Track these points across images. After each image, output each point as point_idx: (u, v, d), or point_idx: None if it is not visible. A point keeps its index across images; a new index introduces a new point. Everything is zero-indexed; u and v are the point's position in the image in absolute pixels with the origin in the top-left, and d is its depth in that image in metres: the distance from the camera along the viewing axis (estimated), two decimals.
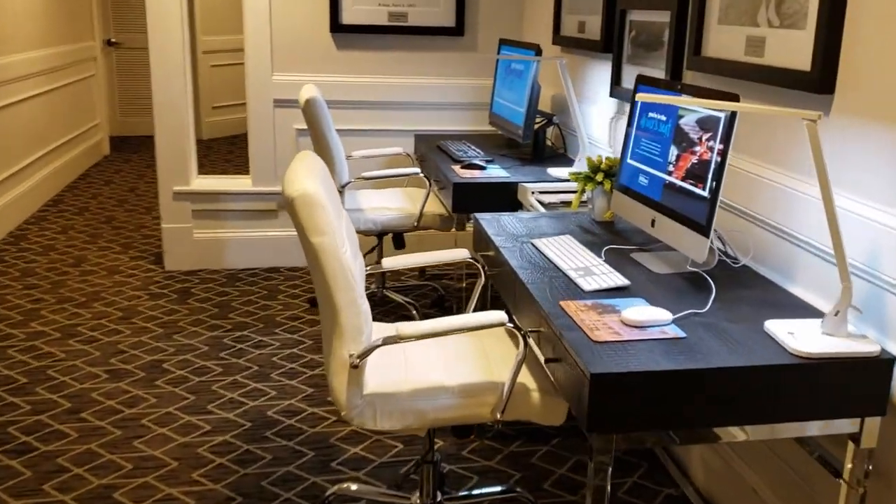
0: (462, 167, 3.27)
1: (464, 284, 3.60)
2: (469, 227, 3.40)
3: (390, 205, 3.60)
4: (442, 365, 1.97)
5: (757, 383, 1.52)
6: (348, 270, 1.75)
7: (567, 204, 2.81)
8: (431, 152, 3.67)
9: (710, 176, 1.84)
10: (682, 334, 1.62)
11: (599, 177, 2.42)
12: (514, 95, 3.56)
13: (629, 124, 2.25)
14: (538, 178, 3.12)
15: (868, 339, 1.58)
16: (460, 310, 3.83)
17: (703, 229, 1.83)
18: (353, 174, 3.65)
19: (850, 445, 1.61)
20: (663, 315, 1.67)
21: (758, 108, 1.55)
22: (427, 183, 3.53)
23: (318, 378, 3.19)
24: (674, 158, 2.00)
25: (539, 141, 3.52)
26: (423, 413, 1.87)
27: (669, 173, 2.01)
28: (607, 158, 2.46)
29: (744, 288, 1.90)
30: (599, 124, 3.25)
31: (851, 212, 1.71)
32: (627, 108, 3.02)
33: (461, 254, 2.30)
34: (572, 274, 1.95)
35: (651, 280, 1.95)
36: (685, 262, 2.05)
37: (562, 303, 1.78)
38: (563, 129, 3.73)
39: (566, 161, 3.47)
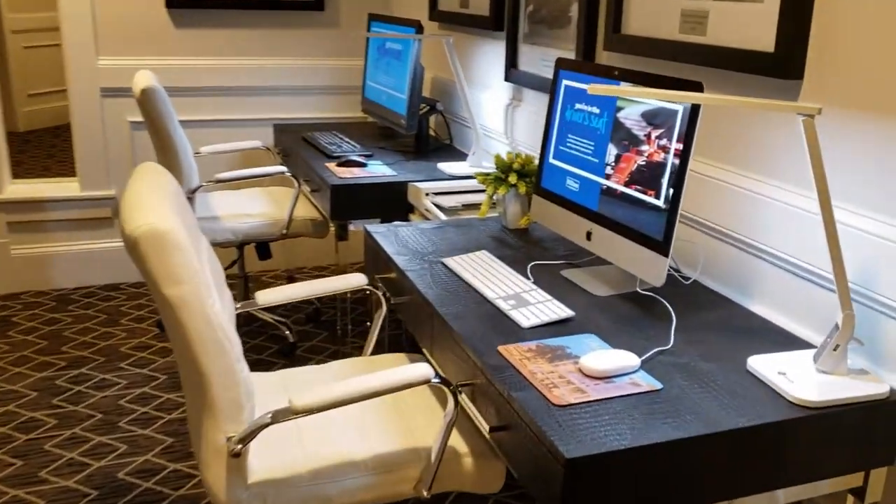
0: (338, 164, 2.86)
1: (348, 295, 3.21)
2: (355, 233, 3.00)
3: (252, 210, 3.13)
4: (347, 431, 1.59)
5: (760, 445, 1.24)
6: (219, 329, 1.33)
7: (471, 208, 2.48)
8: (297, 146, 3.23)
9: (664, 182, 1.55)
10: (657, 385, 1.32)
11: (512, 178, 2.09)
12: (391, 80, 3.17)
13: (550, 117, 1.93)
14: (429, 176, 2.76)
15: (871, 376, 1.35)
16: (344, 325, 3.43)
17: (661, 247, 1.54)
18: (203, 176, 3.15)
19: (851, 500, 1.38)
20: (629, 360, 1.37)
21: (744, 101, 1.26)
22: (295, 183, 3.09)
23: (177, 423, 2.70)
24: (612, 159, 1.70)
25: (422, 132, 3.16)
26: (329, 499, 1.48)
27: (608, 177, 1.71)
28: (518, 155, 2.14)
29: (702, 310, 1.63)
30: (493, 112, 2.94)
31: (840, 222, 1.47)
32: (526, 94, 2.71)
33: (356, 280, 1.92)
34: (503, 305, 1.62)
35: (595, 306, 1.64)
36: (627, 279, 1.76)
37: (501, 348, 1.44)
38: (447, 117, 3.39)
39: (456, 154, 3.14)
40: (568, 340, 1.48)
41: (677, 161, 1.51)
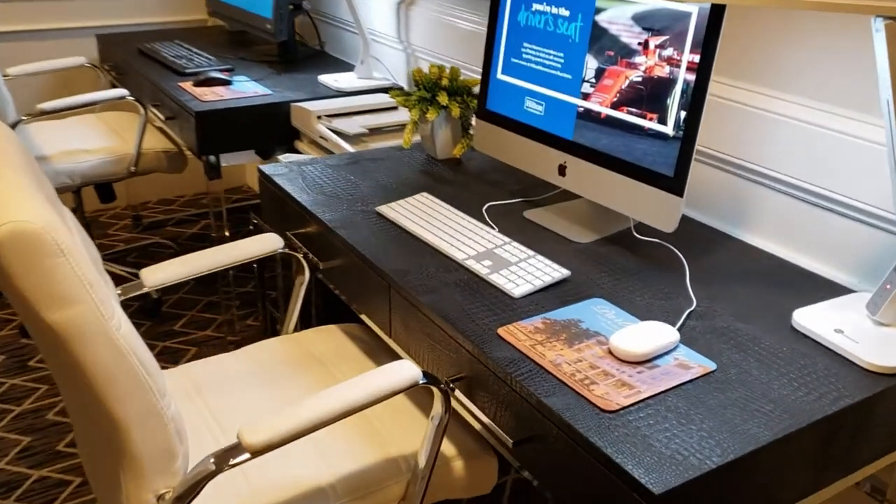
0: (196, 84, 2.38)
1: (224, 212, 2.78)
2: (232, 168, 2.55)
3: (90, 146, 2.59)
4: (304, 450, 1.26)
5: (846, 428, 1.04)
6: (131, 357, 0.95)
7: (379, 133, 2.11)
8: (133, 61, 2.68)
9: (671, 103, 1.27)
10: (709, 364, 1.09)
11: (442, 98, 1.75)
12: None
13: (494, 20, 1.59)
14: (313, 93, 2.35)
15: None
16: (232, 236, 3.00)
17: (672, 184, 1.28)
18: (21, 107, 2.56)
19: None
20: (667, 334, 1.12)
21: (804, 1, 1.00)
22: (140, 109, 2.57)
23: (31, 417, 2.23)
24: (592, 75, 1.40)
25: (290, 37, 2.70)
26: None
27: (586, 97, 1.42)
28: (442, 69, 1.80)
29: (708, 252, 1.41)
30: (379, 11, 2.53)
31: (860, 138, 1.26)
32: None
33: (269, 244, 1.53)
34: (478, 267, 1.32)
35: (584, 257, 1.38)
36: (605, 217, 1.51)
37: (502, 331, 1.15)
38: (314, 18, 2.94)
39: (334, 63, 2.72)
40: (576, 310, 1.21)
41: (691, 77, 1.24)
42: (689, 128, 1.25)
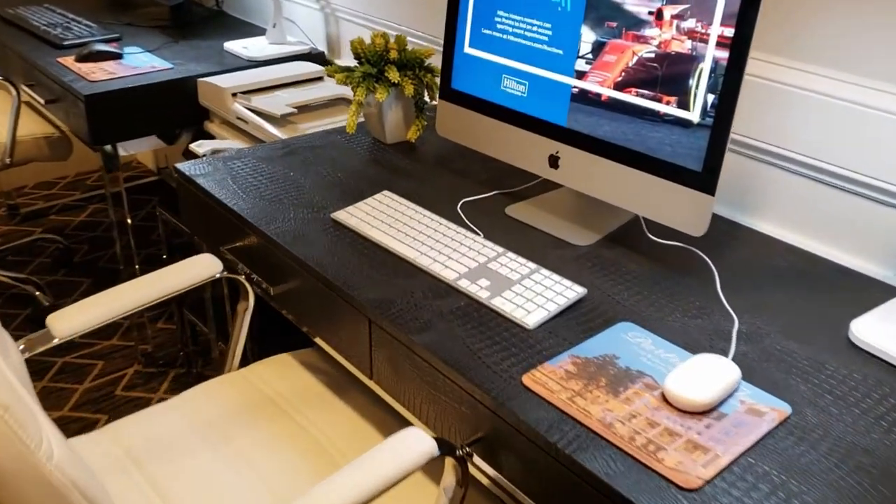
0: (79, 59, 2.02)
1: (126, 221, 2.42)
2: (136, 158, 2.20)
3: None
4: None
5: None
6: (73, 493, 0.69)
7: (309, 111, 1.83)
8: None
9: (694, 84, 1.07)
10: (782, 406, 0.91)
11: (393, 74, 1.49)
12: None
13: None
14: (220, 65, 2.03)
15: None
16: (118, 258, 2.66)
17: (701, 179, 1.09)
18: None
19: None
20: (728, 372, 0.93)
21: None
22: (13, 91, 2.18)
23: None
24: (589, 50, 1.18)
25: None
26: None
27: (580, 76, 1.20)
28: (384, 36, 1.53)
29: (729, 248, 1.24)
30: None
31: None
32: None
33: (204, 268, 1.26)
34: (475, 291, 1.10)
35: (591, 265, 1.18)
36: (598, 210, 1.31)
37: (527, 379, 0.94)
38: None
39: (237, 26, 2.39)
40: (606, 341, 1.01)
41: (722, 54, 1.04)
42: (722, 115, 1.05)
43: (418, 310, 1.07)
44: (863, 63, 1.16)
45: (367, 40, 1.72)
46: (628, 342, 1.01)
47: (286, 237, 1.24)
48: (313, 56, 2.16)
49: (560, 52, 1.21)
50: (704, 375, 0.92)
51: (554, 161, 1.26)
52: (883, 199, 1.17)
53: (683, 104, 1.09)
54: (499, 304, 1.07)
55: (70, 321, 1.13)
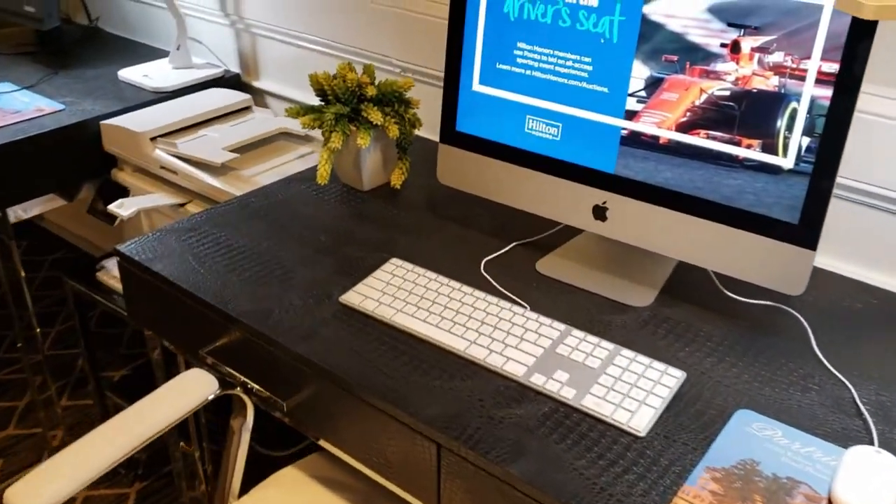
0: None
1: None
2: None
3: None
4: None
5: None
6: None
7: (254, 150, 1.57)
8: None
9: (784, 126, 0.94)
10: None
11: (375, 115, 1.27)
12: None
13: (459, 11, 1.13)
14: (121, 100, 1.73)
15: None
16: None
17: (800, 233, 0.96)
18: None
19: None
20: (888, 466, 0.81)
21: None
22: None
23: None
24: (643, 87, 1.02)
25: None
26: None
27: (631, 116, 1.03)
28: (349, 67, 1.31)
29: (809, 297, 1.12)
30: None
31: None
32: None
33: (197, 390, 1.01)
34: (553, 388, 0.92)
35: (666, 332, 1.03)
36: (640, 257, 1.16)
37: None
38: None
39: (122, 47, 2.06)
40: (733, 442, 0.86)
41: (823, 92, 0.90)
42: (825, 160, 0.92)
43: (498, 425, 0.88)
44: None
45: (300, 61, 1.48)
46: (759, 438, 0.87)
47: (292, 336, 1.01)
48: (228, 80, 1.88)
49: (605, 89, 1.04)
50: (867, 474, 0.79)
51: (600, 212, 1.09)
52: None
53: (770, 148, 0.95)
54: (592, 405, 0.90)
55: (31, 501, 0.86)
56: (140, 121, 1.60)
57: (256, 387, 1.06)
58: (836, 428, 0.89)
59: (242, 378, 1.08)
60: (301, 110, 1.32)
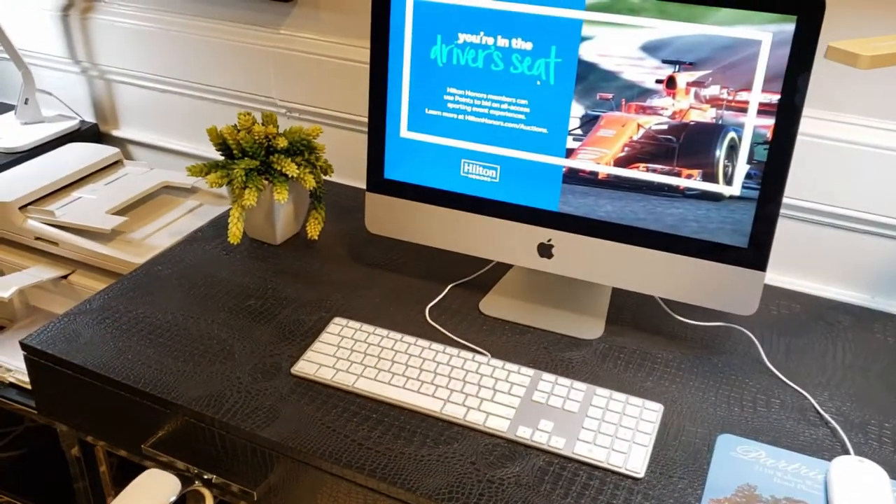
0: None
1: None
2: None
3: None
4: None
5: None
6: None
7: (136, 210, 1.41)
8: None
9: (724, 155, 0.95)
10: None
11: (290, 168, 1.18)
12: None
13: (381, 57, 1.07)
14: None
15: None
16: None
17: (749, 256, 0.98)
18: None
19: None
20: (878, 477, 0.84)
21: None
22: None
23: None
24: (577, 126, 1.01)
25: None
26: None
27: (571, 154, 1.02)
28: (248, 116, 1.21)
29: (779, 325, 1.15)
30: (27, 26, 1.70)
31: None
32: None
33: (160, 491, 0.88)
34: (542, 439, 0.89)
35: (626, 363, 1.02)
36: (581, 293, 1.15)
37: None
38: None
39: None
40: (726, 469, 0.86)
41: (763, 121, 0.93)
42: (771, 186, 0.94)
43: (499, 488, 0.84)
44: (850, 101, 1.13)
45: (162, 106, 1.36)
46: (747, 462, 0.88)
47: (255, 420, 0.91)
48: (84, 132, 1.70)
49: (544, 130, 1.02)
50: (864, 489, 0.82)
51: (546, 250, 1.07)
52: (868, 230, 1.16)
53: (710, 177, 0.97)
54: (585, 452, 0.88)
55: None
56: (1, 188, 1.40)
57: (217, 478, 0.95)
58: (810, 440, 0.91)
59: (196, 470, 0.96)
60: (205, 167, 1.20)
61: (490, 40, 1.01)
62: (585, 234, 1.04)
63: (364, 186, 1.48)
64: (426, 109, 1.07)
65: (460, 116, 1.06)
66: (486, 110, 1.04)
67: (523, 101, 1.02)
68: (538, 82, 1.00)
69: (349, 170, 1.49)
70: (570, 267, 1.06)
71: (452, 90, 1.05)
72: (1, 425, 2.00)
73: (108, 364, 0.99)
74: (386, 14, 1.05)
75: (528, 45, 0.99)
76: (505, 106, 1.03)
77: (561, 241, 1.06)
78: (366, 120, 1.44)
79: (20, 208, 1.38)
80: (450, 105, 1.06)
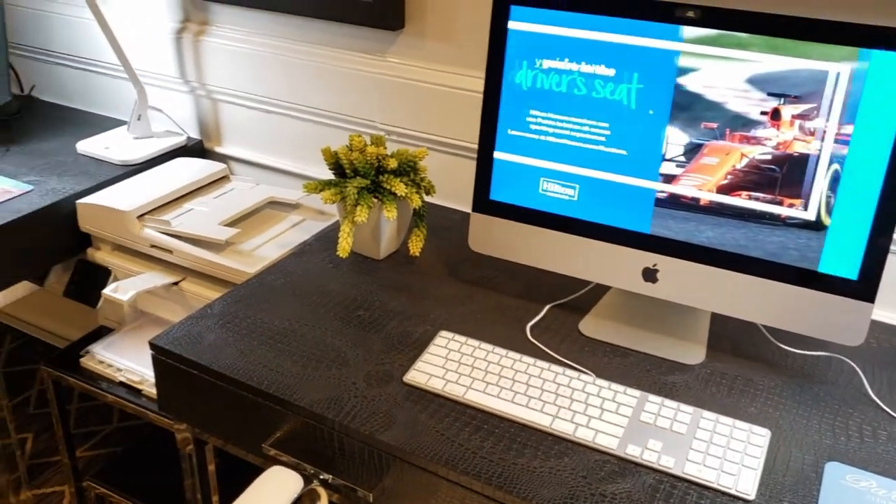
0: None
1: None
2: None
3: None
4: None
5: None
6: None
7: (243, 224, 1.46)
8: None
9: (846, 188, 0.96)
10: None
11: (399, 188, 1.22)
12: None
13: (495, 83, 1.10)
14: (91, 177, 1.58)
15: None
16: None
17: (857, 287, 0.98)
18: None
19: None
20: None
21: None
22: None
23: None
24: (682, 153, 1.02)
25: None
26: None
27: (670, 180, 1.04)
28: (358, 139, 1.25)
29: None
30: (142, 43, 1.78)
31: None
32: (218, 12, 1.67)
33: (284, 488, 0.92)
34: (652, 458, 0.90)
35: (729, 389, 1.02)
36: (682, 317, 1.16)
37: None
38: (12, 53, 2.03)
39: (62, 115, 1.89)
40: (837, 497, 0.86)
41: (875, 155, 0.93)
42: (884, 218, 0.95)
43: (612, 503, 0.85)
44: None
45: (265, 126, 1.41)
46: (857, 491, 0.87)
47: (373, 424, 0.94)
48: (191, 148, 1.77)
49: (634, 154, 1.04)
50: None
51: (650, 274, 1.08)
52: None
53: (812, 207, 0.98)
54: (695, 472, 0.89)
55: None
56: (120, 198, 1.47)
57: (333, 479, 0.98)
58: None
59: (313, 470, 1.00)
60: (320, 185, 1.25)
61: (578, 66, 1.04)
62: (688, 258, 1.05)
63: (458, 206, 1.52)
64: (518, 128, 1.10)
65: (540, 137, 1.09)
66: (566, 132, 1.07)
67: (602, 124, 1.05)
68: (622, 108, 1.03)
69: (443, 190, 1.53)
70: (675, 292, 1.08)
71: (536, 112, 1.08)
72: (96, 423, 2.08)
73: (232, 365, 1.04)
74: (502, 43, 1.09)
75: (611, 72, 1.02)
76: (586, 128, 1.06)
77: (667, 266, 1.07)
78: (463, 143, 1.47)
79: (138, 217, 1.44)
80: (531, 125, 1.09)
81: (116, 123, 1.85)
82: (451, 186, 1.52)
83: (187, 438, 1.15)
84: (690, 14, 0.98)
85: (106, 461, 1.91)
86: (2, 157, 1.64)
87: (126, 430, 2.05)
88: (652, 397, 0.99)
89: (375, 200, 1.24)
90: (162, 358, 1.08)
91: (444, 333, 1.10)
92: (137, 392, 1.42)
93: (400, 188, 1.22)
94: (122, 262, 1.49)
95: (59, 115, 1.91)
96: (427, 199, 1.54)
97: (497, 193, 1.15)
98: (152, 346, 1.08)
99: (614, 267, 1.10)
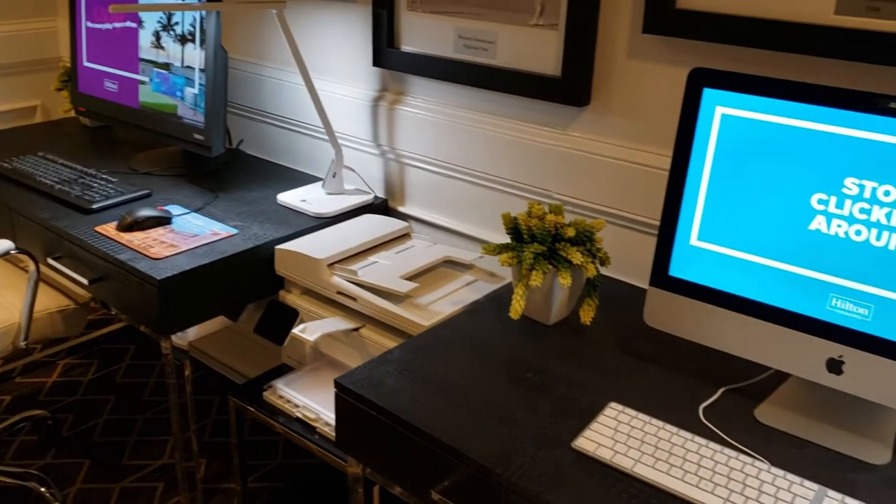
0: (122, 228, 1.65)
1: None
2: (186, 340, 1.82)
3: None
4: None
5: None
6: None
7: (423, 279, 1.53)
8: None
9: None
10: None
11: (575, 257, 1.25)
12: (162, 70, 1.95)
13: (680, 168, 1.12)
14: (288, 226, 1.71)
15: None
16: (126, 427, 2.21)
17: None
18: None
19: None
20: None
21: None
22: (31, 265, 1.76)
23: None
24: None
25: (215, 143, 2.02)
26: None
27: None
28: (537, 207, 1.29)
29: None
30: (343, 109, 1.93)
31: None
32: (413, 83, 1.79)
33: None
34: None
35: None
36: (862, 409, 1.09)
37: None
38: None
39: (264, 169, 2.07)
40: None
41: None
42: None
43: None
44: None
45: (445, 190, 1.46)
46: None
47: (540, 483, 0.95)
48: (377, 206, 1.88)
49: (862, 238, 1.01)
50: None
51: (835, 366, 1.04)
52: None
53: None
54: None
55: None
56: (314, 246, 1.58)
57: None
58: None
59: None
60: (499, 248, 1.30)
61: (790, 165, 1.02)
62: (881, 354, 1.00)
63: (629, 280, 1.52)
64: (726, 209, 1.09)
65: (755, 235, 1.07)
66: (771, 215, 1.05)
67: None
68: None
69: (615, 263, 1.53)
70: (861, 386, 1.02)
71: (744, 196, 1.07)
72: (262, 457, 2.19)
73: (408, 410, 1.08)
74: (692, 127, 1.10)
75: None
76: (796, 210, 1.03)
77: (853, 358, 1.02)
78: (639, 218, 1.48)
79: (328, 265, 1.54)
80: (742, 206, 1.07)
81: (312, 179, 2.00)
82: (621, 260, 1.52)
83: (358, 477, 1.20)
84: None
85: (270, 494, 2.02)
86: (211, 202, 1.82)
87: (290, 466, 2.15)
88: (831, 492, 0.94)
89: (551, 267, 1.26)
90: (344, 396, 1.15)
91: (613, 405, 1.10)
92: (311, 429, 1.50)
93: (576, 257, 1.24)
94: (309, 305, 1.60)
95: (263, 168, 2.09)
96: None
97: (677, 270, 1.15)
98: (337, 384, 1.15)
99: (797, 355, 1.06)
